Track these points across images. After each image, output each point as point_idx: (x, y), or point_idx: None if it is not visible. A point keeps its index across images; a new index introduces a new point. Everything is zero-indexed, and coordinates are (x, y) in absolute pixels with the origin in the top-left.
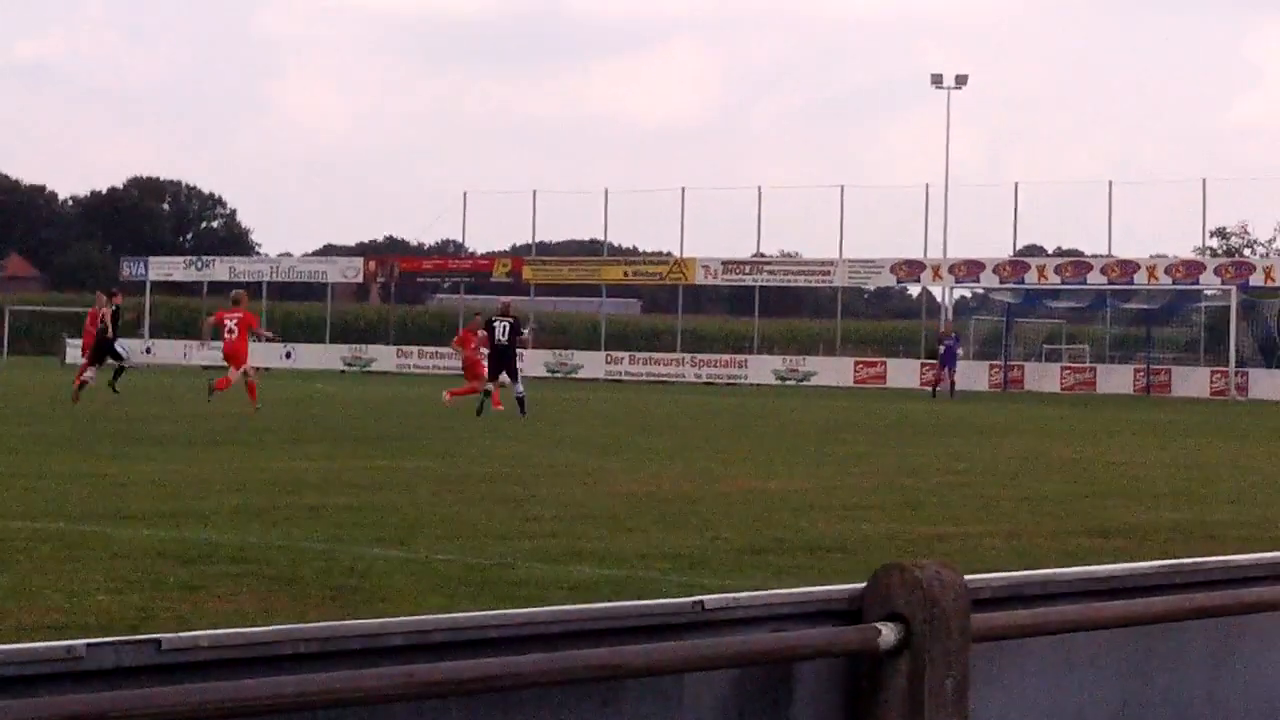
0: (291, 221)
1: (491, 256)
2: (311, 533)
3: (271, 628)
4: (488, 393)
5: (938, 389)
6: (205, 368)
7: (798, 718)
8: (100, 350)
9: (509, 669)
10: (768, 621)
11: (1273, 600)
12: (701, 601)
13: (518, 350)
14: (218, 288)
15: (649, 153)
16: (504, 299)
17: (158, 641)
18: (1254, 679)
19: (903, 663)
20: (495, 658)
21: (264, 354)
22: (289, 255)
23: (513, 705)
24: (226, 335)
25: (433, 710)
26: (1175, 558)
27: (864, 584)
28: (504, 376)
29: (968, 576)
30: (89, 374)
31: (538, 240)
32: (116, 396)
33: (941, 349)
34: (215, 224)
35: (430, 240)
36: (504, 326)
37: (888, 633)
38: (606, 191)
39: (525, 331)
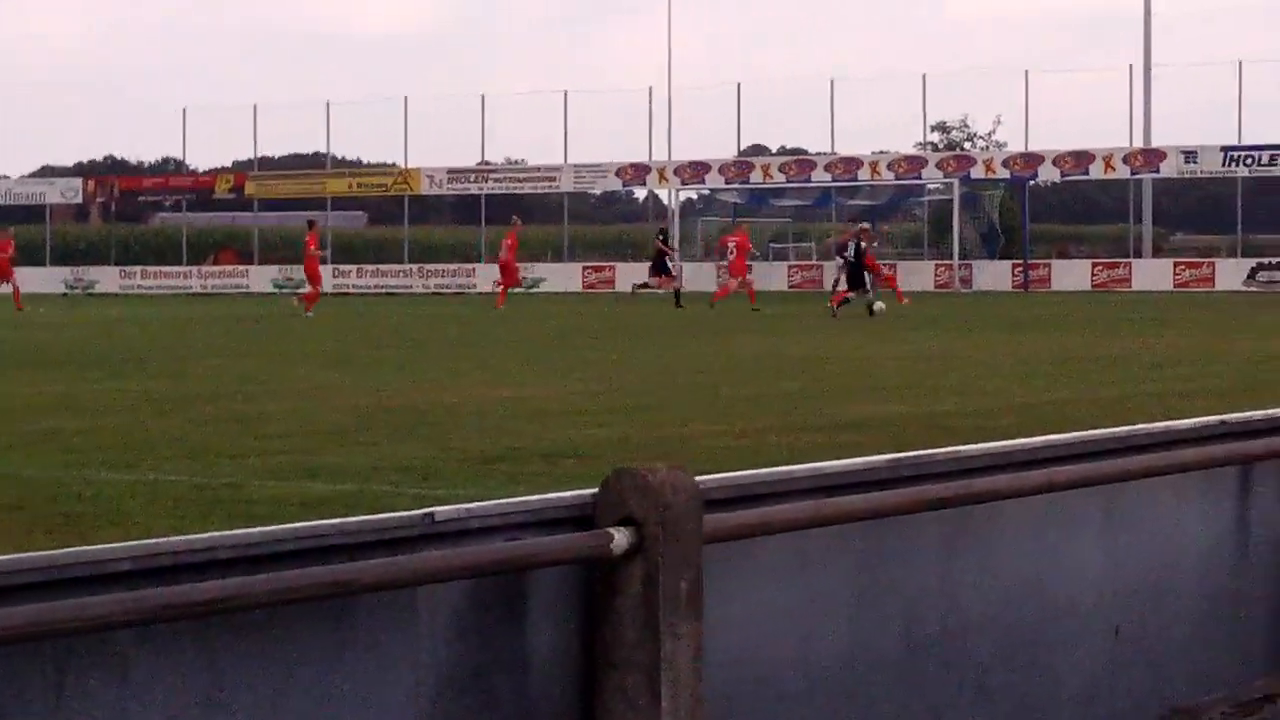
0: (7, 143)
1: (213, 173)
2: (38, 458)
3: None
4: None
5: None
6: None
7: (534, 626)
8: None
9: (240, 590)
10: (500, 531)
11: (999, 489)
12: (432, 513)
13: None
14: None
15: (371, 63)
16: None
17: None
18: (983, 566)
19: (637, 566)
20: (226, 579)
21: None
22: (6, 178)
23: (246, 626)
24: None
25: (164, 635)
26: (906, 450)
27: (596, 490)
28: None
29: (700, 478)
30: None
31: (260, 155)
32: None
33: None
34: None
35: (151, 158)
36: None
37: (620, 537)
38: (328, 104)
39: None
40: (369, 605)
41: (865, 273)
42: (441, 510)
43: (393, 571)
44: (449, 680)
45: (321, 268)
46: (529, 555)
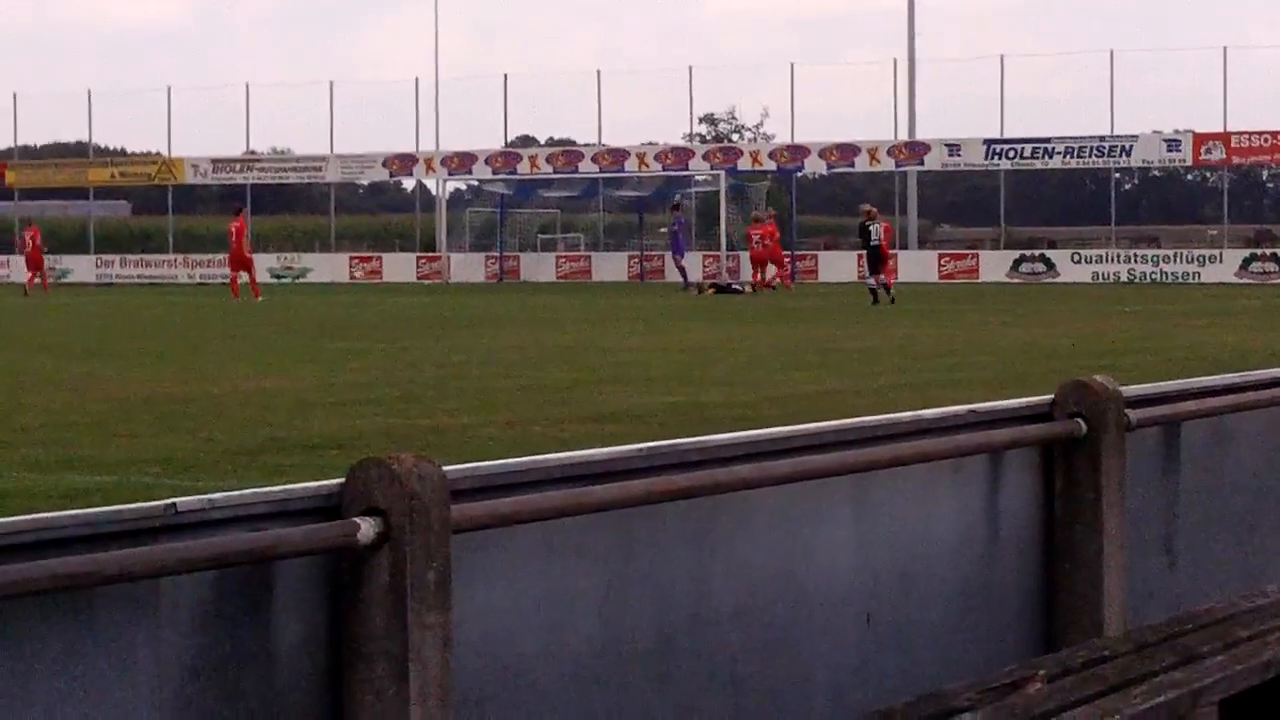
0: None
1: None
2: None
3: None
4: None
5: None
6: None
7: (280, 617)
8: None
9: None
10: (246, 522)
11: (747, 478)
12: (175, 504)
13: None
14: None
15: (134, 52)
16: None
17: None
18: (733, 555)
19: (383, 557)
20: None
21: None
22: None
23: None
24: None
25: None
26: (669, 440)
27: (342, 480)
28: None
29: (448, 468)
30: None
31: (20, 144)
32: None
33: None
34: None
35: None
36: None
37: (366, 527)
38: (90, 93)
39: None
40: (109, 598)
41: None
42: (184, 500)
43: (131, 563)
44: (193, 672)
45: (67, 258)
46: (273, 545)
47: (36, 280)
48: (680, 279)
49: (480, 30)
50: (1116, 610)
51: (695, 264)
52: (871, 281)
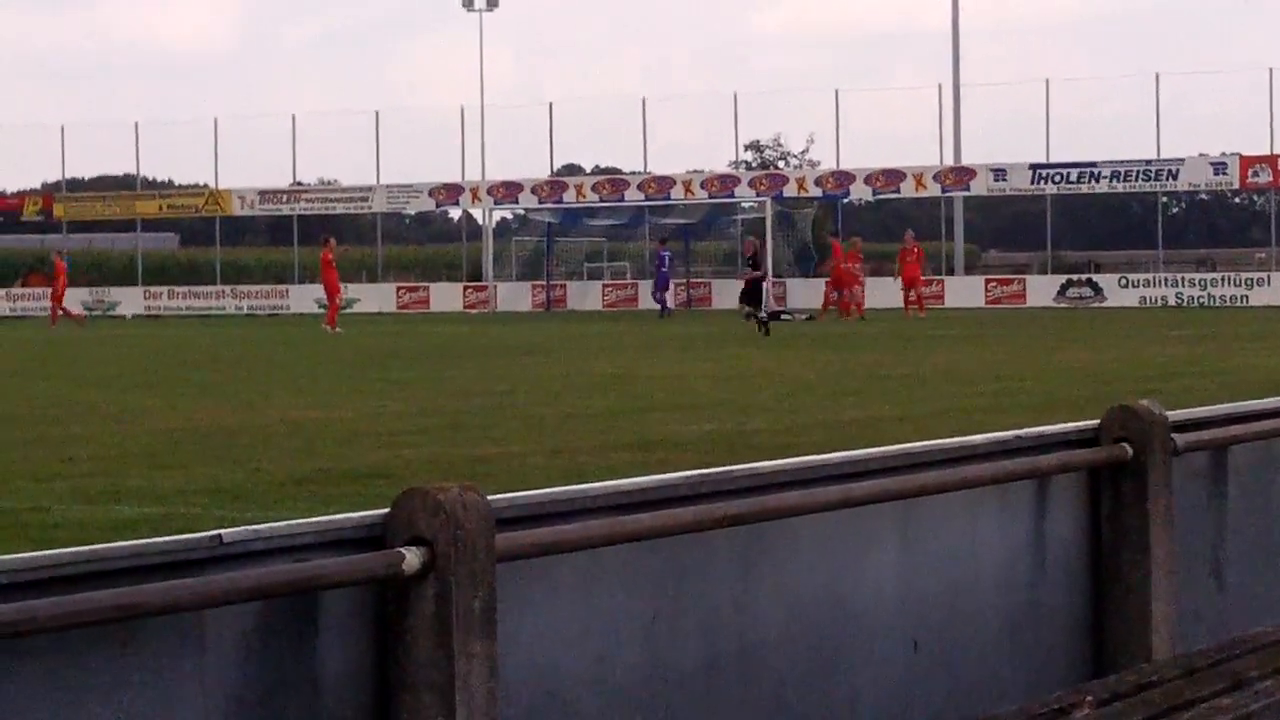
0: None
1: (21, 195)
2: None
3: None
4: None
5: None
6: None
7: (326, 647)
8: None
9: (21, 614)
10: (290, 552)
11: (794, 505)
12: (219, 535)
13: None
14: None
15: (179, 82)
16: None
17: None
18: (780, 582)
19: (429, 586)
20: (6, 603)
21: None
22: None
23: (31, 652)
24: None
25: None
26: (714, 467)
27: (387, 510)
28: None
29: (493, 497)
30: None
31: (68, 176)
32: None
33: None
34: None
35: None
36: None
37: (412, 557)
38: (137, 124)
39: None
40: (156, 628)
41: (758, 288)
42: (229, 532)
43: (178, 594)
44: (239, 702)
45: (115, 290)
46: (318, 576)
47: (60, 312)
48: (660, 309)
49: (525, 57)
50: (1164, 635)
51: (740, 289)
52: (762, 314)
